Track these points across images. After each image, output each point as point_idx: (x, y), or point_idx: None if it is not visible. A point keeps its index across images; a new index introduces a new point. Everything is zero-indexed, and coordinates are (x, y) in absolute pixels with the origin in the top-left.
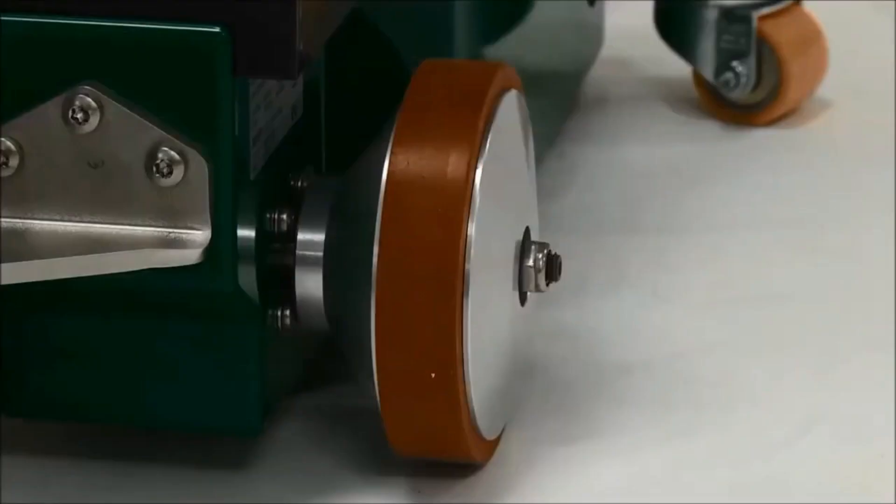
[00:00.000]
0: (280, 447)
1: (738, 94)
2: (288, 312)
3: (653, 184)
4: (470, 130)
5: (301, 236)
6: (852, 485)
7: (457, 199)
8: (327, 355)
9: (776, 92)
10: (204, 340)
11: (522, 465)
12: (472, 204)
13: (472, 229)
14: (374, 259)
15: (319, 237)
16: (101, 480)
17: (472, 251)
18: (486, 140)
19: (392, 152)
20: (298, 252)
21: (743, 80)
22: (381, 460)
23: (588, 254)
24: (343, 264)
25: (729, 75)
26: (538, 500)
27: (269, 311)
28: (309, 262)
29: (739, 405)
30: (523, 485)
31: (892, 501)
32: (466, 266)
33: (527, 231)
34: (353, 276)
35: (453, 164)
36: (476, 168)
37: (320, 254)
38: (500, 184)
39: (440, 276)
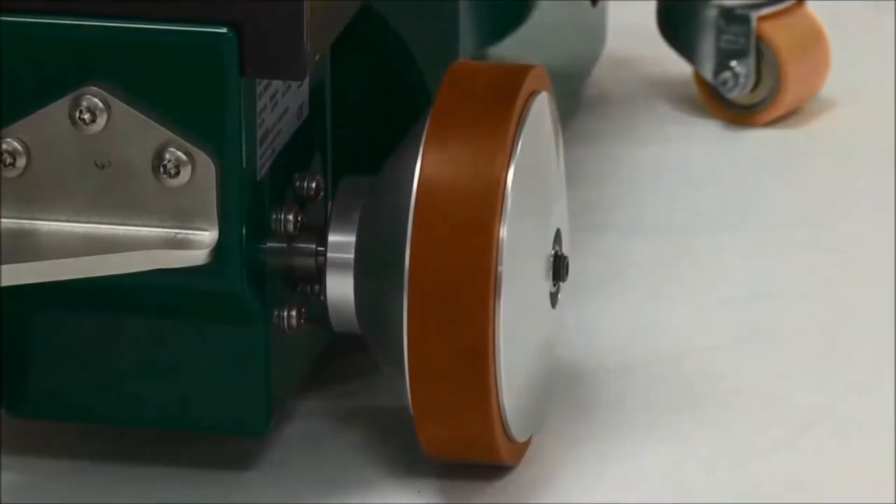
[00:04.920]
0: (284, 447)
1: (737, 95)
2: (294, 313)
3: (654, 183)
4: (501, 133)
5: (332, 238)
6: (852, 485)
7: (488, 203)
8: (332, 355)
9: (775, 93)
10: (211, 340)
11: (522, 466)
12: (503, 207)
13: (503, 232)
14: (406, 262)
15: (350, 239)
16: (103, 480)
17: (504, 254)
18: (518, 143)
19: (423, 155)
20: (330, 254)
21: (741, 80)
22: (385, 461)
23: (588, 253)
24: (375, 267)
25: (727, 75)
26: (536, 500)
27: (276, 312)
28: (340, 264)
29: (739, 405)
30: (521, 485)
31: (892, 501)
32: (499, 269)
33: (557, 233)
34: (385, 278)
35: (484, 167)
36: (507, 171)
37: (351, 256)
38: (531, 187)
39: (472, 280)
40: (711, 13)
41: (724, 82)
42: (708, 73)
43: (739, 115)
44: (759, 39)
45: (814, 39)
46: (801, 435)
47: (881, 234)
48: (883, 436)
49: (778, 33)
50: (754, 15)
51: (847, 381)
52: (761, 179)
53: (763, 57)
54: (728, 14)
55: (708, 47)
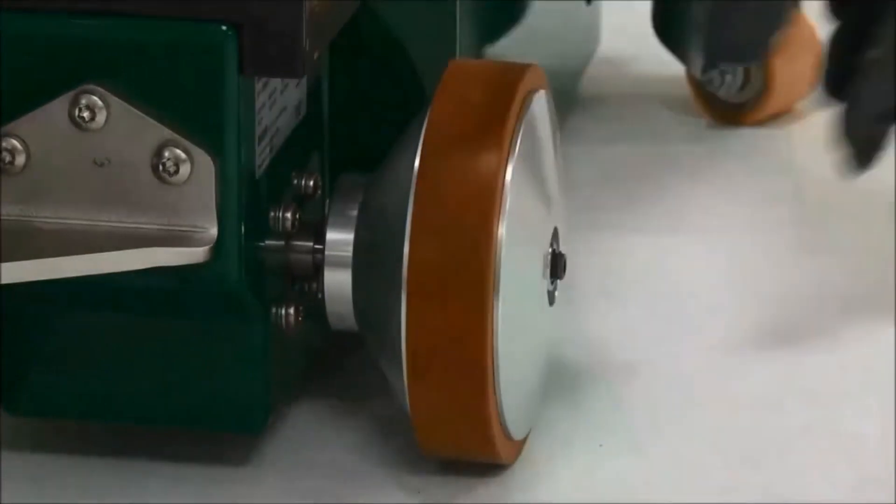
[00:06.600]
0: (282, 446)
1: (725, 94)
2: (292, 310)
3: (650, 183)
4: (500, 131)
5: (330, 236)
6: (852, 485)
7: (487, 201)
8: (330, 353)
9: (762, 93)
10: (209, 338)
11: (521, 465)
12: (502, 205)
13: (502, 230)
14: (405, 260)
15: (348, 237)
16: (103, 479)
17: (503, 251)
18: (516, 141)
19: (422, 153)
20: (327, 252)
21: (728, 79)
22: (383, 459)
23: (585, 253)
24: (373, 264)
25: (713, 73)
26: (536, 500)
27: (274, 309)
28: (338, 262)
29: (739, 405)
30: (521, 485)
31: (893, 502)
32: (497, 267)
33: (555, 231)
34: (383, 275)
35: (483, 165)
36: (506, 169)
37: (349, 253)
38: (529, 184)
39: (471, 277)
40: (701, 12)
41: (710, 81)
42: (696, 71)
43: (729, 114)
44: None
45: (806, 42)
46: (800, 435)
47: (881, 234)
48: (883, 436)
49: None
50: None
51: (847, 381)
52: (760, 179)
53: None
54: None
55: (696, 46)
